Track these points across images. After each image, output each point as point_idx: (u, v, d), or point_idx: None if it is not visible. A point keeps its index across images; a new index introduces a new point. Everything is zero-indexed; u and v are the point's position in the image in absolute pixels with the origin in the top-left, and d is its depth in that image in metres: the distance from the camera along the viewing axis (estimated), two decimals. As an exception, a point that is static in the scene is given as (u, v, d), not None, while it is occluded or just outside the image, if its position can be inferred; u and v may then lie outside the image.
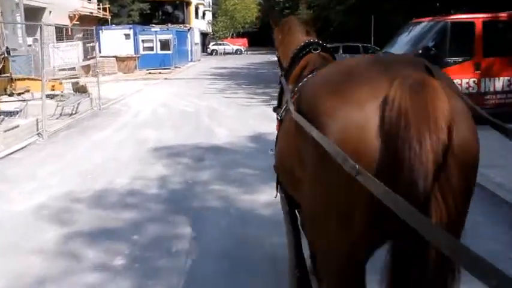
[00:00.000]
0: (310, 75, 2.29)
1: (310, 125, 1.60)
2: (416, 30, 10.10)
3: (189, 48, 39.56)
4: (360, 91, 1.54)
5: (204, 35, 63.14)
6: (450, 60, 9.14)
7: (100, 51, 31.01)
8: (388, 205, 1.17)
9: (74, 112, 12.20)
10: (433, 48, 9.15)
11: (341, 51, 22.22)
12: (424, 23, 10.01)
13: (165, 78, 23.66)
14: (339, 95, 1.58)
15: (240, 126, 9.95)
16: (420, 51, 9.09)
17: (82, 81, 15.19)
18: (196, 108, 12.78)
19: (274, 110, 2.95)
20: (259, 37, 74.63)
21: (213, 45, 59.18)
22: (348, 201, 1.56)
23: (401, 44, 10.18)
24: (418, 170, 1.34)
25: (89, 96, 13.27)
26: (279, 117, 2.71)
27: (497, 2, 13.33)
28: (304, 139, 1.71)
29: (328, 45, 2.86)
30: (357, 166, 1.31)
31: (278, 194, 2.93)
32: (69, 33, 32.67)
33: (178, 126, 10.17)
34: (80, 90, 13.66)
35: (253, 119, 10.69)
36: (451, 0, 21.32)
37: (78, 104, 12.42)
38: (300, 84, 2.31)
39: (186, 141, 8.54)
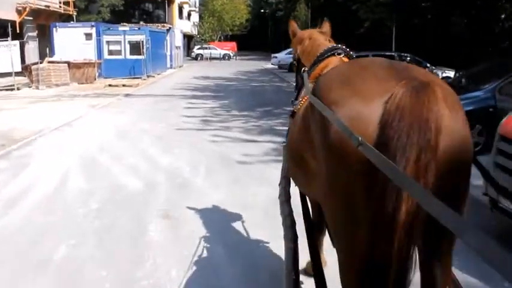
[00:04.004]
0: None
1: (322, 104, 1.72)
2: None
3: (168, 53, 33.11)
4: (368, 86, 1.65)
5: (188, 37, 56.87)
6: None
7: (53, 54, 24.67)
8: (385, 172, 1.26)
9: None
10: None
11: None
12: None
13: (127, 95, 17.20)
14: (348, 88, 1.71)
15: (239, 277, 3.70)
16: None
17: None
18: (148, 180, 6.42)
19: (292, 102, 2.95)
20: (248, 41, 68.83)
21: (198, 49, 52.69)
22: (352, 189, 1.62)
23: None
24: (400, 159, 1.45)
25: None
26: (293, 108, 2.74)
27: None
28: (317, 124, 1.80)
29: (355, 54, 2.89)
30: (360, 138, 1.42)
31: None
32: (18, 30, 26.27)
33: (76, 272, 3.85)
34: None
35: (271, 234, 4.42)
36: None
37: None
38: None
39: None
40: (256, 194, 5.84)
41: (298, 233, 2.70)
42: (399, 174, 1.22)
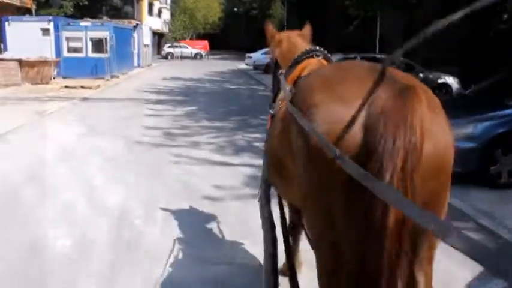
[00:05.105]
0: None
1: (300, 114, 1.68)
2: None
3: (136, 51, 31.00)
4: (349, 88, 1.61)
5: (159, 35, 54.65)
6: None
7: (6, 50, 22.38)
8: (364, 184, 1.27)
9: None
10: None
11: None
12: None
13: (84, 99, 15.18)
14: (329, 90, 1.66)
15: None
16: None
17: None
18: (82, 232, 4.54)
19: (270, 107, 2.88)
20: (221, 40, 66.95)
21: (169, 47, 50.58)
22: (329, 193, 1.61)
23: None
24: (387, 163, 1.40)
25: None
26: (272, 112, 2.70)
27: None
28: (297, 131, 1.75)
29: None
30: (337, 152, 1.42)
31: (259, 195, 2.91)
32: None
33: None
34: None
35: None
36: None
37: None
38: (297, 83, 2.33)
39: None
40: (233, 257, 4.13)
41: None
42: (380, 184, 1.26)
